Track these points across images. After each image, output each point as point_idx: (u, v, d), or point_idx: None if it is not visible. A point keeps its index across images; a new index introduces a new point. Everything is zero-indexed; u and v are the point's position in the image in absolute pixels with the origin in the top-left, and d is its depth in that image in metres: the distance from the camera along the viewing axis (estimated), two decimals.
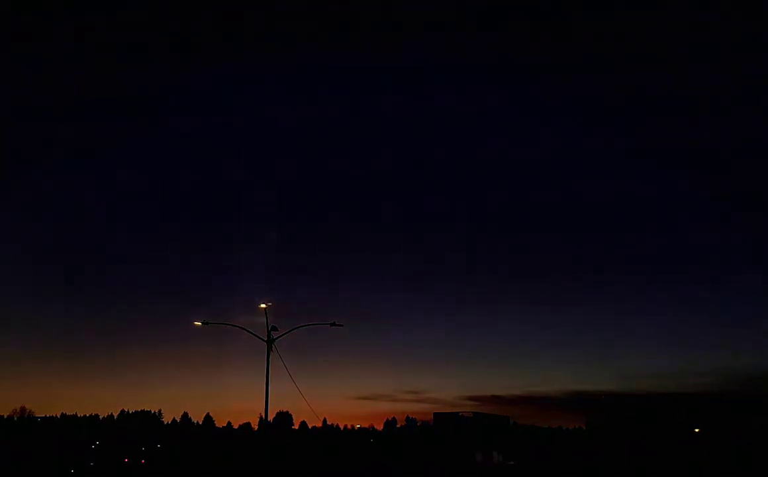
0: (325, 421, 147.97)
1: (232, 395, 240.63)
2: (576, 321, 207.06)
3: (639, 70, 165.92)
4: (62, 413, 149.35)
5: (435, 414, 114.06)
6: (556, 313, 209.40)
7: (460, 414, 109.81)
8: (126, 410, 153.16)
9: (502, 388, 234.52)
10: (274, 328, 32.24)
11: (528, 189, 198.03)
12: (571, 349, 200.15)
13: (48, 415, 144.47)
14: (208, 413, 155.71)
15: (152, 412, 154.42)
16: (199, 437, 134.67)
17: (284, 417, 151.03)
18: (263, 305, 32.52)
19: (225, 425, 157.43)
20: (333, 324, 34.10)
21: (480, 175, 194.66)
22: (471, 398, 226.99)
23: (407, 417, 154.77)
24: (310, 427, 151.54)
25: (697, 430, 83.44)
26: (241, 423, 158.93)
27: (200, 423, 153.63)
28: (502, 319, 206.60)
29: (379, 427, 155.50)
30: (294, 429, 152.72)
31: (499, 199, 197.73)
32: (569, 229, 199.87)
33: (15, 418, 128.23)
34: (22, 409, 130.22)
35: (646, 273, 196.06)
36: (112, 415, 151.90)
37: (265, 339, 32.18)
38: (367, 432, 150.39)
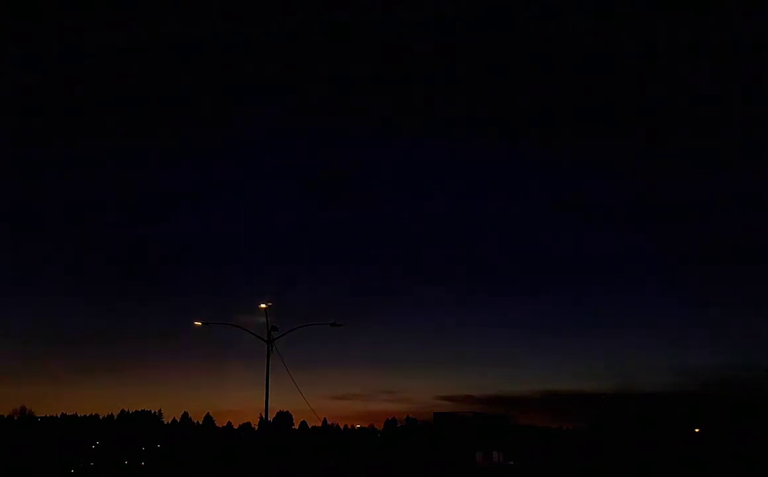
0: (325, 420, 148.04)
1: (232, 395, 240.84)
2: (549, 321, 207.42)
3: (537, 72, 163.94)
4: (62, 413, 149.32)
5: (435, 414, 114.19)
6: (535, 313, 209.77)
7: (460, 414, 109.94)
8: (126, 410, 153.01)
9: (472, 388, 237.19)
10: (274, 328, 32.25)
11: (518, 187, 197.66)
12: (546, 349, 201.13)
13: (48, 415, 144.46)
14: (208, 413, 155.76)
15: (152, 412, 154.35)
16: (200, 437, 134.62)
17: (284, 417, 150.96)
18: (263, 305, 32.54)
19: (225, 425, 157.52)
20: (333, 324, 34.11)
21: (469, 174, 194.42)
22: (445, 398, 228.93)
23: (407, 417, 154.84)
24: (310, 426, 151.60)
25: (697, 430, 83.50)
26: (241, 423, 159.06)
27: (200, 423, 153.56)
28: (482, 318, 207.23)
29: (379, 426, 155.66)
30: (294, 429, 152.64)
31: (488, 196, 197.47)
32: (564, 229, 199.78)
33: (15, 418, 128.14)
34: (22, 409, 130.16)
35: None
36: (112, 415, 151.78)
37: (265, 339, 32.20)
38: (367, 432, 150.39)
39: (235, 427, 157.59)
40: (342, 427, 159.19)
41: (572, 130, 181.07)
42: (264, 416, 34.72)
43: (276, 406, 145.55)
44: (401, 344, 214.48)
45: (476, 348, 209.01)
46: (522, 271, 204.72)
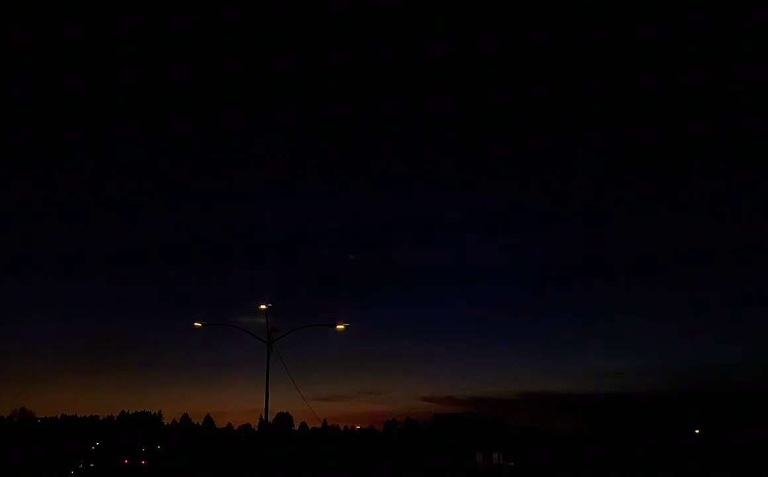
0: (325, 422, 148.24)
1: (232, 396, 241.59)
2: (530, 322, 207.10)
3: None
4: (62, 414, 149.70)
5: (435, 414, 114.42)
6: (518, 314, 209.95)
7: (460, 414, 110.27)
8: (126, 411, 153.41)
9: (452, 389, 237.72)
10: (274, 329, 32.25)
11: (513, 187, 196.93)
12: (526, 349, 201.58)
13: (48, 416, 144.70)
14: (208, 414, 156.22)
15: (152, 413, 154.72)
16: (200, 438, 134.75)
17: (284, 418, 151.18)
18: (263, 306, 32.54)
19: (225, 426, 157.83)
20: (333, 324, 34.08)
21: (466, 174, 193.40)
22: (427, 399, 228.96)
23: (407, 417, 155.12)
24: (310, 427, 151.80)
25: (697, 430, 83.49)
26: (241, 424, 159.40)
27: (200, 424, 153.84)
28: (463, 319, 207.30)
29: (379, 427, 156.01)
30: (294, 430, 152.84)
31: (484, 195, 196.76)
32: (560, 230, 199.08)
33: (15, 419, 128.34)
34: (22, 409, 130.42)
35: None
36: (112, 416, 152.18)
37: (265, 340, 32.20)
38: (366, 432, 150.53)
39: (235, 427, 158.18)
40: (342, 427, 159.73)
41: (571, 130, 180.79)
42: (264, 417, 34.73)
43: (276, 407, 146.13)
44: (380, 345, 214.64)
45: (457, 348, 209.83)
46: (514, 270, 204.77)
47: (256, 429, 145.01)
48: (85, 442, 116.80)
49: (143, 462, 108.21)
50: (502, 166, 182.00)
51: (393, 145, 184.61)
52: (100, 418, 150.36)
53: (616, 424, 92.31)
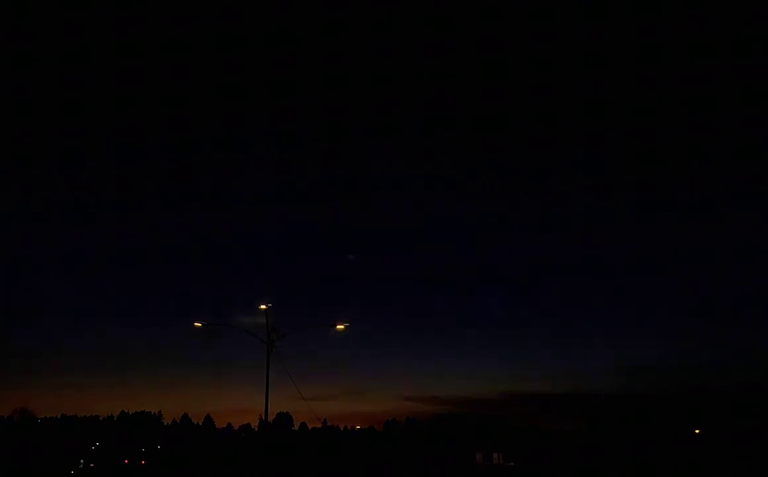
0: (325, 422, 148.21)
1: (232, 396, 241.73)
2: (514, 322, 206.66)
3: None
4: (62, 414, 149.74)
5: (435, 414, 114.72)
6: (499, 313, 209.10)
7: (460, 414, 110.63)
8: (126, 411, 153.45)
9: (436, 389, 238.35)
10: (274, 330, 32.29)
11: (507, 187, 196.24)
12: (510, 350, 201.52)
13: (48, 416, 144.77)
14: (208, 414, 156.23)
15: (152, 412, 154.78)
16: (200, 438, 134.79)
17: (284, 418, 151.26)
18: (263, 306, 32.58)
19: (225, 426, 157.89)
20: (333, 325, 34.14)
21: (464, 175, 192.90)
22: (413, 399, 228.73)
23: (407, 417, 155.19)
24: (310, 427, 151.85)
25: (697, 430, 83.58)
26: (241, 424, 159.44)
27: (200, 424, 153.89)
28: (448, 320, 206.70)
29: (379, 427, 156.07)
30: (294, 430, 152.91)
31: (480, 196, 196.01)
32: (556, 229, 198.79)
33: (15, 419, 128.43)
34: (22, 409, 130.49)
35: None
36: (112, 416, 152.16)
37: (265, 340, 32.23)
38: (366, 432, 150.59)
39: (235, 427, 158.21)
40: (342, 428, 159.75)
41: (571, 130, 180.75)
42: (264, 417, 34.78)
43: (276, 407, 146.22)
44: (365, 344, 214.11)
45: (447, 348, 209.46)
46: (513, 270, 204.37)
47: (256, 429, 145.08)
48: (85, 442, 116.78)
49: (143, 462, 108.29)
50: (502, 166, 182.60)
51: (393, 145, 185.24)
52: (100, 418, 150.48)
53: (616, 424, 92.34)
